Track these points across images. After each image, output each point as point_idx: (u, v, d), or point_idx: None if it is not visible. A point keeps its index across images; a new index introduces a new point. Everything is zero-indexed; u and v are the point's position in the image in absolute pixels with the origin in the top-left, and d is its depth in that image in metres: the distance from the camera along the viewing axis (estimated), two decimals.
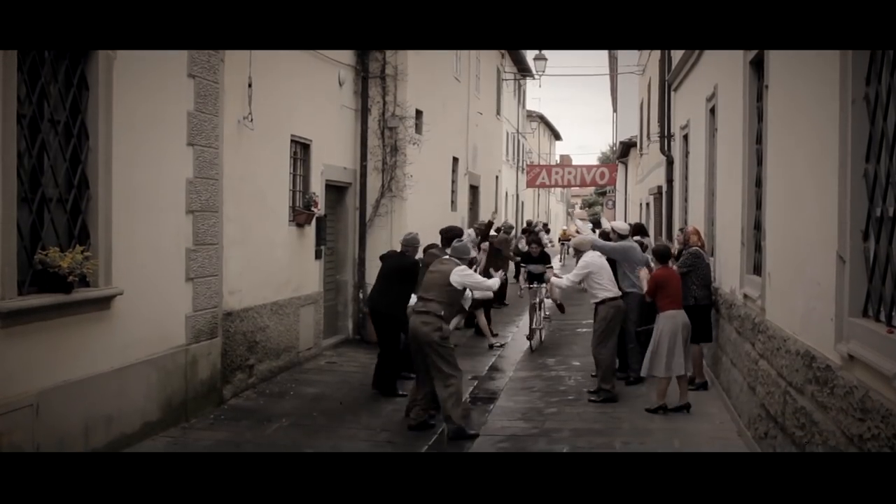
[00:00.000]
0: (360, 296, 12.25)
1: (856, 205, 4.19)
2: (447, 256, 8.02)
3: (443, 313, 7.38)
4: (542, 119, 44.46)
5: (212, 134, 8.02)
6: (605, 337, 8.68)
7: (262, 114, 9.08)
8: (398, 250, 9.65)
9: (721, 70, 9.08)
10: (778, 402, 5.76)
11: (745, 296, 7.27)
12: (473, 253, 10.38)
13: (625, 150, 28.74)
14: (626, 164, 30.20)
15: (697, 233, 9.37)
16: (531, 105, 39.44)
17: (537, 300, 12.01)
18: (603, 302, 8.65)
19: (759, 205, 7.07)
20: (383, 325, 9.08)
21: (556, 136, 52.45)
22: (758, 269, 7.05)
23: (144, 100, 6.93)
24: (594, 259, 8.87)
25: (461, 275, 7.57)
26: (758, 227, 7.09)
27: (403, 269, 9.12)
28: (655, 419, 7.88)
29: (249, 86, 8.75)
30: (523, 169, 31.56)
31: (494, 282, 8.27)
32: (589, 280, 8.72)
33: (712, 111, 10.11)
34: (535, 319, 12.07)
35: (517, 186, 31.80)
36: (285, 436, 7.41)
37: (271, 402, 8.61)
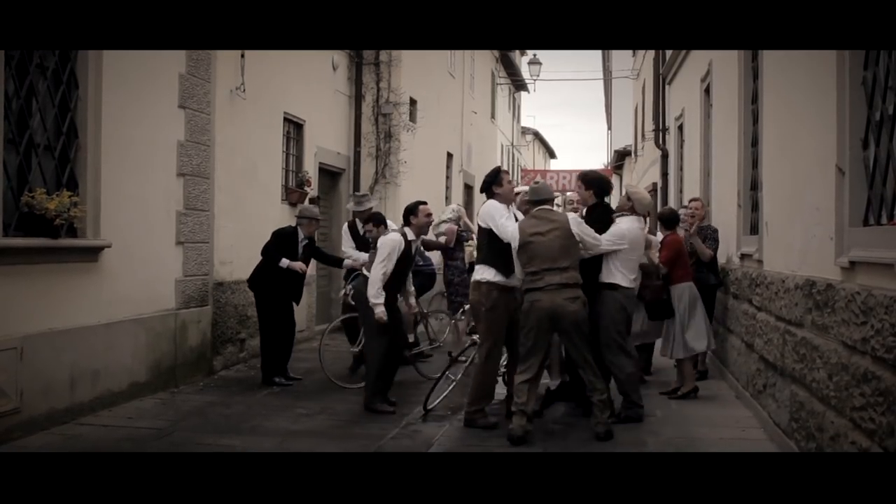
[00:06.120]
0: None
1: (855, 112, 4.14)
2: (540, 208, 5.93)
3: (581, 282, 5.81)
4: (537, 136, 44.44)
5: (203, 99, 7.96)
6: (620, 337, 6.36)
7: (254, 87, 9.03)
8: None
9: None
10: (777, 345, 5.67)
11: (743, 255, 7.20)
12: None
13: (619, 158, 28.80)
14: (620, 176, 30.22)
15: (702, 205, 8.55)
16: (526, 122, 39.55)
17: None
18: (615, 288, 6.29)
19: (755, 164, 7.02)
20: (256, 302, 8.02)
21: (551, 155, 52.48)
22: (754, 228, 7.00)
23: (135, 56, 6.85)
24: (636, 232, 6.43)
25: (580, 224, 5.93)
26: (754, 187, 7.04)
27: (274, 235, 7.98)
28: (651, 384, 7.77)
29: (242, 56, 8.71)
30: (518, 183, 31.54)
31: None
32: (613, 257, 6.27)
33: (707, 91, 10.12)
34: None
35: None
36: (275, 399, 7.26)
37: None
